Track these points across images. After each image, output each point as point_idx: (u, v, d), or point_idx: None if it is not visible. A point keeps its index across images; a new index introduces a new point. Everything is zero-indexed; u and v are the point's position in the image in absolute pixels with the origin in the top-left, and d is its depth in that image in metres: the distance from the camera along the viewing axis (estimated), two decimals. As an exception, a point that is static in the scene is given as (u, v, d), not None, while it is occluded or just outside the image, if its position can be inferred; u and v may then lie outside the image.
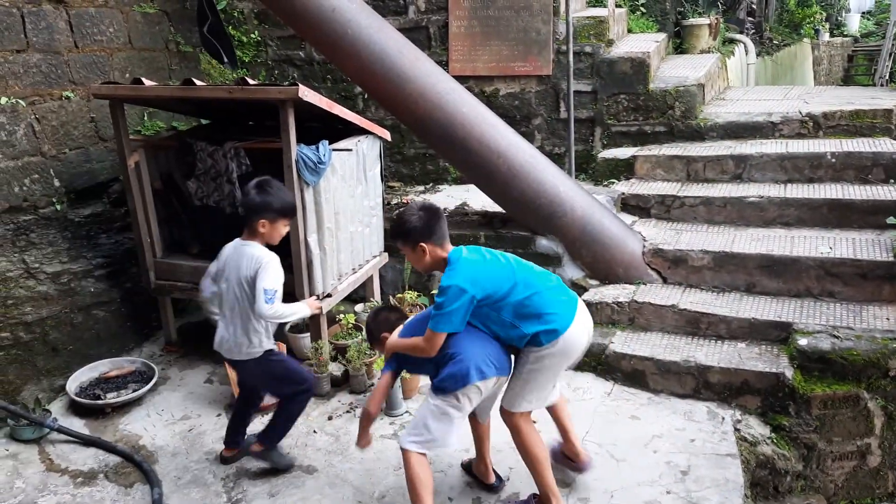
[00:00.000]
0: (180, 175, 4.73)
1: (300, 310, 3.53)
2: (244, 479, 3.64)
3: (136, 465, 3.76)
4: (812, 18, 13.51)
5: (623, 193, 5.20)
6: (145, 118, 5.40)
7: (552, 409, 3.41)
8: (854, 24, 16.81)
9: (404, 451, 3.00)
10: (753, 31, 10.05)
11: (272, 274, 3.28)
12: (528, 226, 4.95)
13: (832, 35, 15.59)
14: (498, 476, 3.47)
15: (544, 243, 4.87)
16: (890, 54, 13.36)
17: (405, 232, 3.06)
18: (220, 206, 4.56)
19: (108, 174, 4.98)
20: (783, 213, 4.76)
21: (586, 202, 4.77)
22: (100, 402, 4.21)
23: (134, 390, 4.33)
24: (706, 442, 3.75)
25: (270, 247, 3.40)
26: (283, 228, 3.41)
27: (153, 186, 4.62)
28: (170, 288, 4.71)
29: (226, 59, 5.82)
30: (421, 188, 6.20)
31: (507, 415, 3.16)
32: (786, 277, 4.38)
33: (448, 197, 5.92)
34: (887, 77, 12.81)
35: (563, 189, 4.74)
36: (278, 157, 4.10)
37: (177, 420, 4.18)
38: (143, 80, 4.20)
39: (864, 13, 17.62)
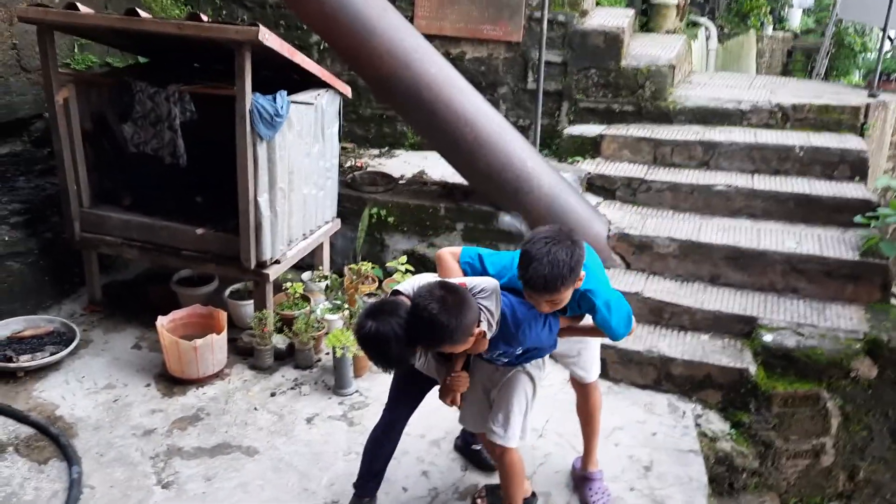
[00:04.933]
0: (115, 117, 4.26)
1: None
2: (176, 458, 3.31)
3: (51, 438, 3.38)
4: (759, 10, 13.67)
5: (589, 173, 5.00)
6: (76, 50, 4.84)
7: None
8: (795, 19, 17.13)
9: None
10: (709, 16, 9.99)
11: None
12: (492, 200, 4.71)
13: (774, 29, 15.86)
14: None
15: (507, 220, 4.64)
16: (827, 52, 13.71)
17: (577, 264, 2.38)
18: (158, 154, 4.12)
19: (31, 110, 4.43)
20: (750, 204, 4.66)
21: (553, 179, 4.55)
22: (11, 364, 3.77)
23: (52, 353, 3.89)
24: (668, 436, 3.64)
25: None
26: None
27: (82, 127, 4.13)
28: (96, 242, 4.25)
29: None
30: (376, 151, 5.86)
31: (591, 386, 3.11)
32: (751, 270, 4.28)
33: (404, 163, 5.61)
34: (822, 74, 13.14)
35: (531, 164, 4.50)
36: (228, 106, 3.71)
37: (100, 389, 3.79)
38: (79, 5, 3.70)
39: (805, 10, 18.01)
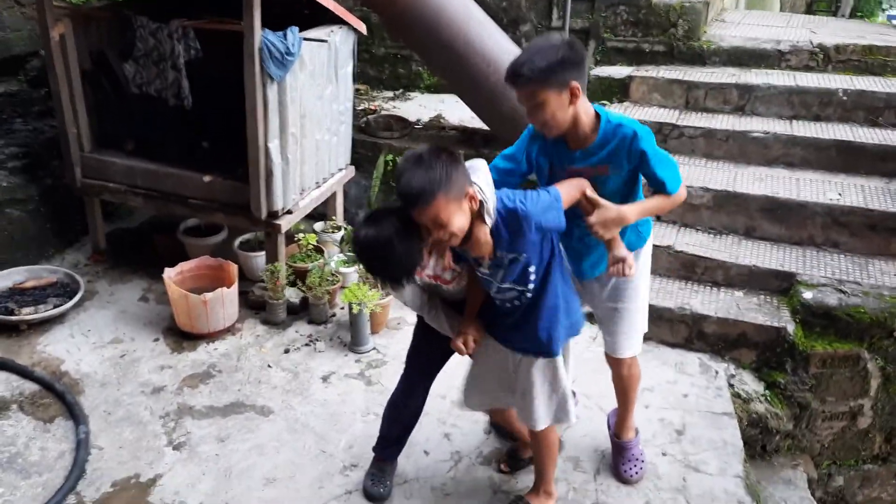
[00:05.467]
0: (115, 55, 3.99)
1: None
2: (187, 417, 3.16)
3: (57, 395, 3.23)
4: (784, -56, 13.03)
5: (617, 117, 4.72)
6: (71, -17, 4.54)
7: None
8: (821, -45, 16.42)
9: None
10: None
11: None
12: (514, 146, 4.45)
13: (798, -37, 15.16)
14: None
15: (532, 167, 4.39)
16: (853, -11, 13.11)
17: (558, 62, 2.09)
18: (162, 96, 3.88)
19: (26, 46, 4.19)
20: (788, 152, 4.39)
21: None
22: (13, 317, 3.61)
23: (55, 305, 3.73)
24: (700, 398, 3.47)
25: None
26: None
27: (81, 66, 3.87)
28: (99, 188, 4.04)
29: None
30: (390, 94, 5.58)
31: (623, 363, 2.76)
32: (789, 223, 4.04)
33: (420, 107, 5.34)
34: (847, 13, 12.57)
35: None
36: (235, 43, 3.44)
37: (106, 343, 3.63)
38: (71, -69, 3.41)
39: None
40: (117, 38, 3.97)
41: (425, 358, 2.72)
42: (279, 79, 3.45)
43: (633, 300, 2.66)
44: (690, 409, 3.39)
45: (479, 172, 2.19)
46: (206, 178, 3.76)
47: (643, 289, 2.69)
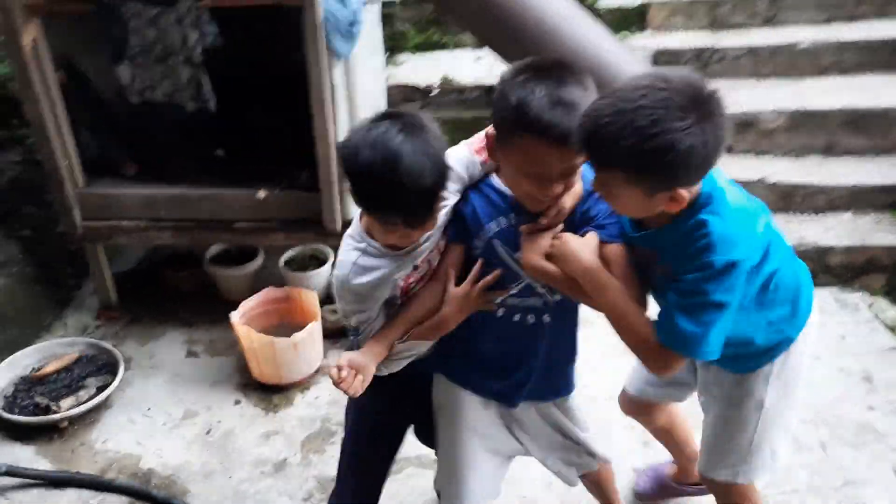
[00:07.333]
0: (90, 57, 3.11)
1: None
2: (337, 494, 2.54)
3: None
4: None
5: (653, 49, 4.32)
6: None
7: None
8: None
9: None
10: None
11: None
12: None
13: None
14: None
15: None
16: None
17: (675, 164, 1.32)
18: (173, 101, 3.06)
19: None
20: (840, 59, 4.16)
21: (636, 66, 3.84)
22: (55, 415, 2.77)
23: (99, 388, 2.92)
24: (859, 337, 3.21)
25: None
26: None
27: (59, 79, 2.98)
28: (107, 231, 3.17)
29: None
30: (375, 59, 4.88)
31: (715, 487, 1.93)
32: (871, 133, 3.84)
33: (415, 71, 4.69)
34: None
35: (608, 49, 3.76)
36: (268, 21, 2.74)
37: (179, 420, 2.89)
38: None
39: None
40: (91, 36, 3.08)
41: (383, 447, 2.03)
42: (346, 56, 2.77)
43: (750, 412, 1.76)
44: (858, 351, 3.12)
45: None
46: (261, 194, 3.02)
47: (778, 409, 1.76)
